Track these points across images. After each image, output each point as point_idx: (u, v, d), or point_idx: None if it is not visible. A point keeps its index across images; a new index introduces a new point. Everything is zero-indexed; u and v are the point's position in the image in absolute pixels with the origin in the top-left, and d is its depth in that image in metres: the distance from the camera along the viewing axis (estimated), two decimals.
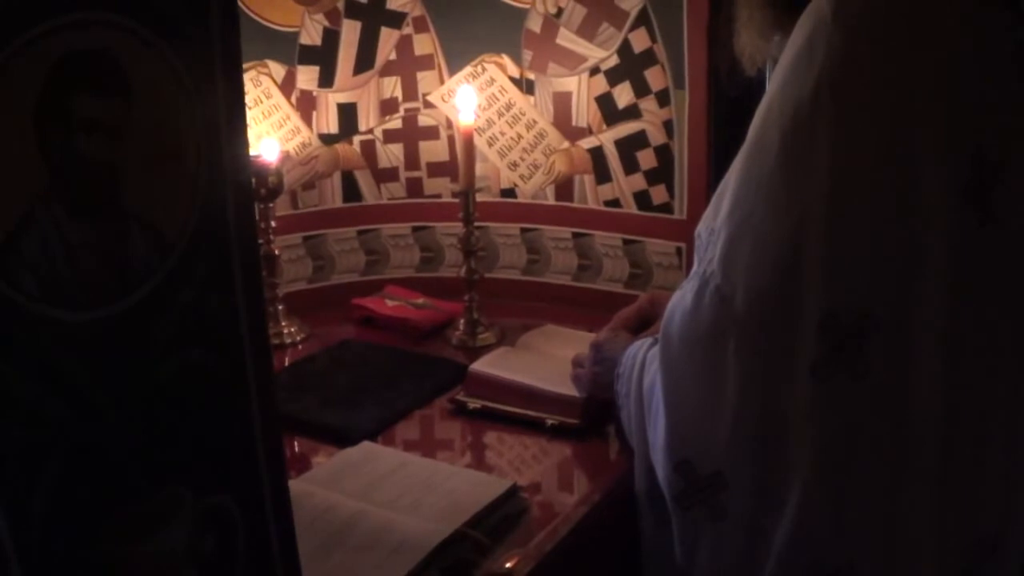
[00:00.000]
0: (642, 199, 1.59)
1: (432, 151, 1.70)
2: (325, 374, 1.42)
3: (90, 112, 0.55)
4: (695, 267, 0.98)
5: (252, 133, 1.59)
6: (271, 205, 1.53)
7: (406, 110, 1.68)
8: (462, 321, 1.55)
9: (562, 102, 1.62)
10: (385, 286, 1.69)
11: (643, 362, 1.08)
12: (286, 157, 1.59)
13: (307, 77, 1.63)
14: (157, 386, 0.61)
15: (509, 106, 1.65)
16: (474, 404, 1.30)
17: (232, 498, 0.65)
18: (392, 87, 1.68)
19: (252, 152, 1.50)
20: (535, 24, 1.60)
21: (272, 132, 1.60)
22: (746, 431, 0.92)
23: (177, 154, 0.60)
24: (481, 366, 1.34)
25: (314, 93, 1.64)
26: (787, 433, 0.90)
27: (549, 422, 1.25)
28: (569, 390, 1.27)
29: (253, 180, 1.33)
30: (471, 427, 1.30)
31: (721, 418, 0.92)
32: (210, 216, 0.62)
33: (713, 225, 0.94)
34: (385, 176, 1.70)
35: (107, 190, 0.57)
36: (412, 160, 1.70)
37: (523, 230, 1.70)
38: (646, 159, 1.57)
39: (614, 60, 1.56)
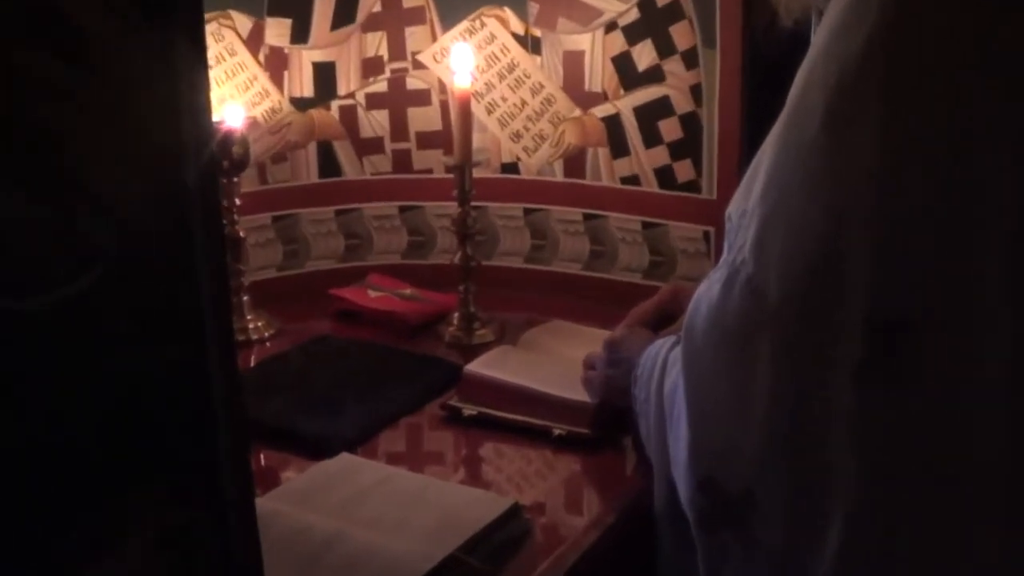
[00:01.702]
0: (665, 176, 1.60)
1: (422, 119, 1.70)
2: (297, 375, 1.43)
3: (34, 70, 0.55)
4: (724, 255, 0.97)
5: (213, 96, 1.61)
6: (235, 180, 1.52)
7: (392, 71, 1.69)
8: (456, 315, 1.55)
9: (573, 63, 1.63)
10: (368, 274, 1.69)
11: (664, 363, 1.08)
12: (253, 124, 1.60)
13: (277, 31, 1.64)
14: (107, 387, 0.61)
15: (512, 67, 1.66)
16: (469, 411, 1.31)
17: (193, 516, 0.66)
18: (376, 44, 1.68)
19: (214, 119, 1.51)
20: None
21: (237, 95, 1.60)
22: (780, 444, 0.91)
23: (131, 121, 0.60)
24: (478, 367, 1.35)
25: (286, 50, 1.64)
26: (827, 448, 0.90)
27: (556, 432, 1.26)
28: (579, 395, 1.28)
29: (215, 151, 1.33)
30: (466, 437, 1.31)
31: (751, 428, 0.92)
32: (170, 192, 0.61)
33: (745, 206, 0.94)
34: (368, 147, 1.71)
35: (50, 159, 0.57)
36: (399, 129, 1.71)
37: (527, 211, 1.70)
38: (670, 129, 1.58)
39: (634, 14, 1.56)
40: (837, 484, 0.90)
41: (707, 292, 0.97)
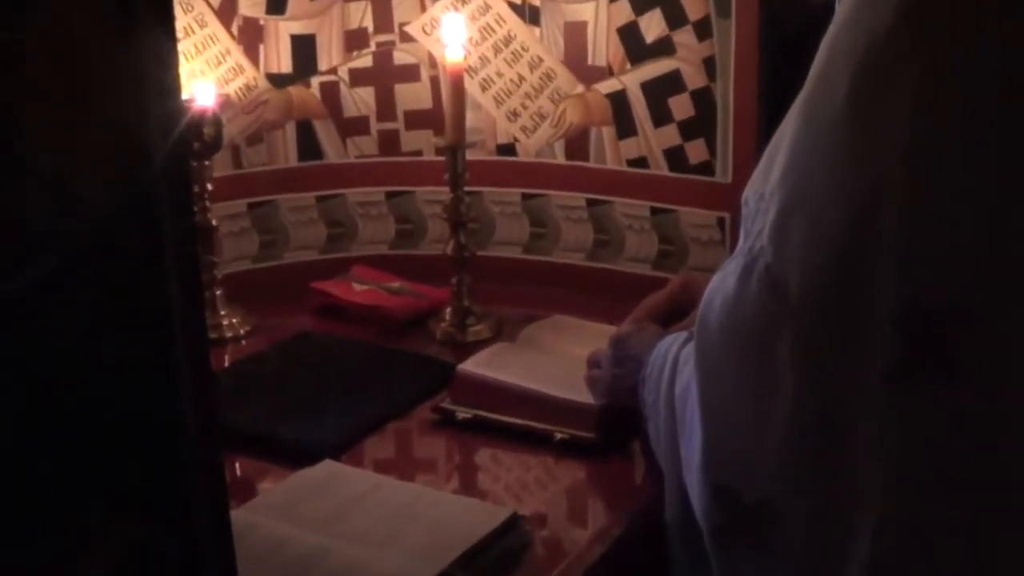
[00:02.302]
0: (675, 157, 1.59)
1: (411, 97, 1.70)
2: (276, 376, 1.43)
3: None
4: (740, 243, 0.96)
5: (183, 72, 1.59)
6: (207, 163, 1.51)
7: (378, 44, 1.69)
8: (449, 310, 1.55)
9: (575, 35, 1.62)
10: (352, 266, 1.69)
11: (675, 362, 1.08)
12: (226, 103, 1.59)
13: (252, 0, 1.64)
14: (63, 391, 0.60)
15: (508, 40, 1.66)
16: (464, 414, 1.31)
17: (158, 530, 0.65)
18: (361, 15, 1.68)
19: (183, 97, 1.51)
20: None
21: (208, 71, 1.60)
22: (802, 449, 0.91)
23: (90, 98, 0.60)
24: (473, 366, 1.35)
25: (261, 22, 1.64)
26: (854, 453, 0.90)
27: (558, 436, 1.26)
28: (583, 396, 1.28)
29: (184, 132, 1.33)
30: (460, 442, 1.30)
31: (771, 432, 0.92)
32: (134, 177, 0.61)
33: (763, 189, 0.93)
34: (352, 128, 1.71)
35: None
36: (386, 108, 1.70)
37: (525, 196, 1.70)
38: (681, 107, 1.58)
39: None
40: (865, 493, 0.90)
41: (721, 284, 0.97)
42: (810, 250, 0.90)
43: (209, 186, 1.52)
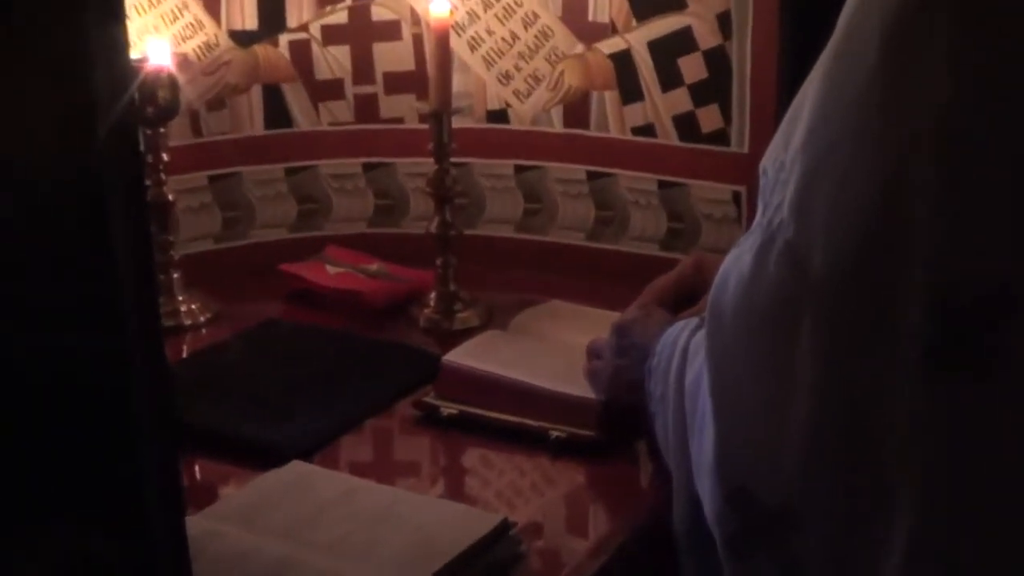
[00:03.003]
0: (686, 125, 1.59)
1: (391, 57, 1.69)
2: (240, 369, 1.42)
3: None
4: (758, 217, 0.95)
5: (134, 28, 1.57)
6: (162, 131, 1.50)
7: None
8: (433, 295, 1.54)
9: None
10: (325, 246, 1.69)
11: (685, 351, 1.08)
12: (183, 63, 1.59)
13: None
14: (0, 383, 0.60)
15: None
16: (449, 410, 1.30)
17: (107, 540, 0.65)
18: None
19: (134, 56, 1.48)
20: None
21: (163, 27, 1.59)
22: (826, 446, 0.90)
23: (28, 60, 0.59)
24: (459, 357, 1.34)
25: None
26: (886, 451, 0.90)
27: (554, 435, 1.25)
28: (582, 390, 1.27)
29: (136, 95, 1.32)
30: (445, 442, 1.30)
31: (791, 427, 0.90)
32: (79, 147, 0.61)
33: (783, 157, 0.92)
34: (325, 92, 1.70)
35: None
36: (363, 70, 1.70)
37: (519, 169, 1.70)
38: (692, 68, 1.57)
39: None
40: (899, 494, 0.90)
41: (736, 263, 0.96)
42: (836, 222, 0.89)
43: (165, 157, 1.51)
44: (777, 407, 0.92)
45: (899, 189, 0.87)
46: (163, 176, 1.51)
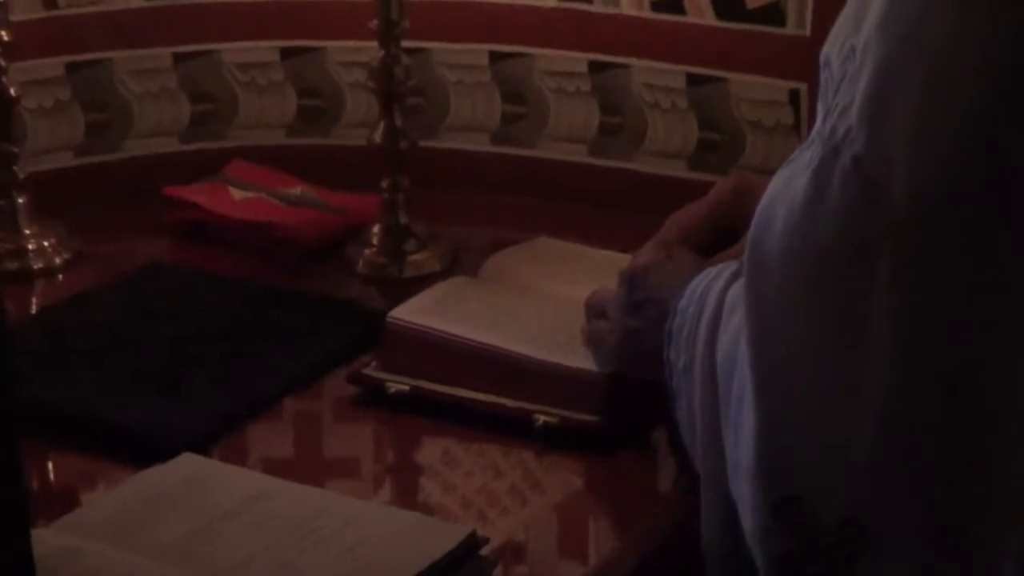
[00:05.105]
0: None
1: None
2: (111, 330, 1.40)
3: None
4: (817, 124, 0.95)
5: None
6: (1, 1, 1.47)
7: None
8: (377, 230, 1.54)
9: None
10: (230, 162, 1.68)
11: (718, 308, 1.08)
12: None
13: None
14: None
15: None
16: (398, 386, 1.29)
17: None
18: None
19: None
20: None
21: None
22: (911, 441, 0.91)
23: None
24: (412, 315, 1.32)
25: None
26: (991, 447, 0.90)
27: (541, 420, 1.24)
28: (580, 360, 1.26)
29: None
30: (392, 430, 1.29)
31: (862, 414, 0.91)
32: None
33: (854, 41, 0.92)
34: None
35: None
36: None
37: (495, 56, 1.69)
38: None
39: None
40: (1009, 503, 0.90)
41: (786, 188, 0.96)
42: (925, 135, 0.89)
43: (4, 35, 1.48)
44: (842, 386, 0.93)
45: (1011, 88, 0.86)
46: (3, 63, 1.49)
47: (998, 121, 0.86)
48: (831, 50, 0.95)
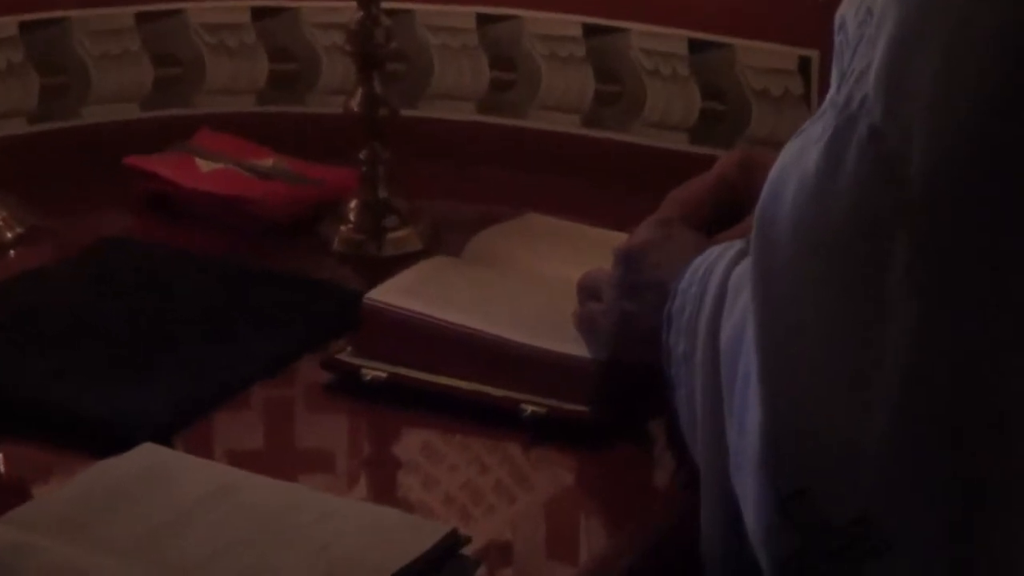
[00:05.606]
0: None
1: None
2: (67, 311, 1.41)
3: None
4: (831, 93, 0.95)
5: None
6: None
7: None
8: (354, 205, 1.54)
9: None
10: (196, 131, 1.68)
11: (721, 290, 1.08)
12: None
13: None
14: None
15: None
16: (375, 372, 1.30)
17: None
18: None
19: None
20: None
21: None
22: (928, 432, 0.91)
23: None
24: (391, 296, 1.33)
25: None
26: (1017, 440, 0.91)
27: (529, 410, 1.25)
28: (572, 346, 1.27)
29: None
30: (369, 420, 1.30)
31: (876, 404, 0.91)
32: None
33: (870, 3, 0.93)
34: None
35: None
36: None
37: (484, 19, 1.70)
38: None
39: None
40: None
41: (798, 161, 0.96)
42: (945, 104, 0.89)
43: None
44: (855, 372, 0.93)
45: None
46: None
47: (1021, 87, 0.86)
48: (847, 12, 0.95)
